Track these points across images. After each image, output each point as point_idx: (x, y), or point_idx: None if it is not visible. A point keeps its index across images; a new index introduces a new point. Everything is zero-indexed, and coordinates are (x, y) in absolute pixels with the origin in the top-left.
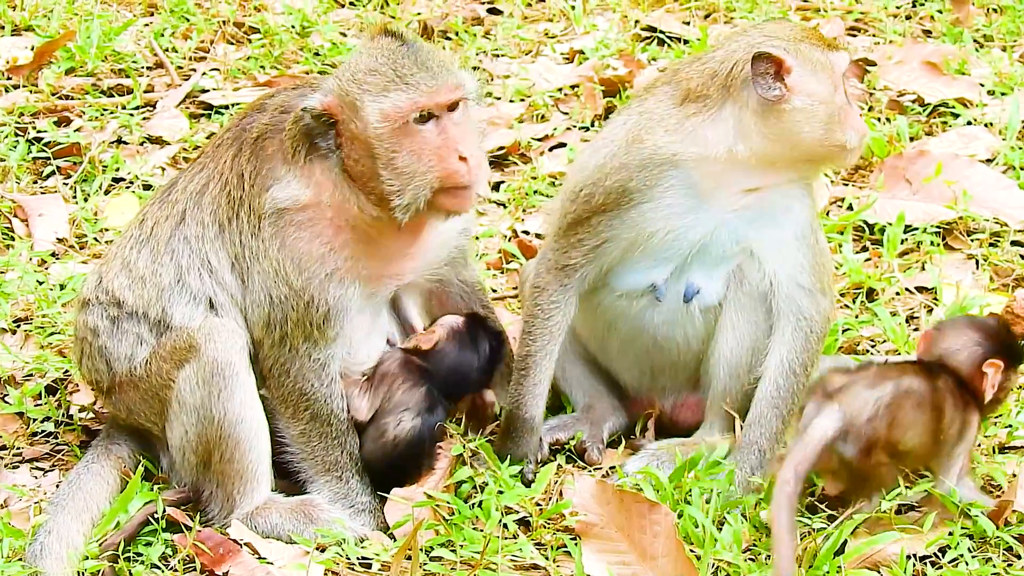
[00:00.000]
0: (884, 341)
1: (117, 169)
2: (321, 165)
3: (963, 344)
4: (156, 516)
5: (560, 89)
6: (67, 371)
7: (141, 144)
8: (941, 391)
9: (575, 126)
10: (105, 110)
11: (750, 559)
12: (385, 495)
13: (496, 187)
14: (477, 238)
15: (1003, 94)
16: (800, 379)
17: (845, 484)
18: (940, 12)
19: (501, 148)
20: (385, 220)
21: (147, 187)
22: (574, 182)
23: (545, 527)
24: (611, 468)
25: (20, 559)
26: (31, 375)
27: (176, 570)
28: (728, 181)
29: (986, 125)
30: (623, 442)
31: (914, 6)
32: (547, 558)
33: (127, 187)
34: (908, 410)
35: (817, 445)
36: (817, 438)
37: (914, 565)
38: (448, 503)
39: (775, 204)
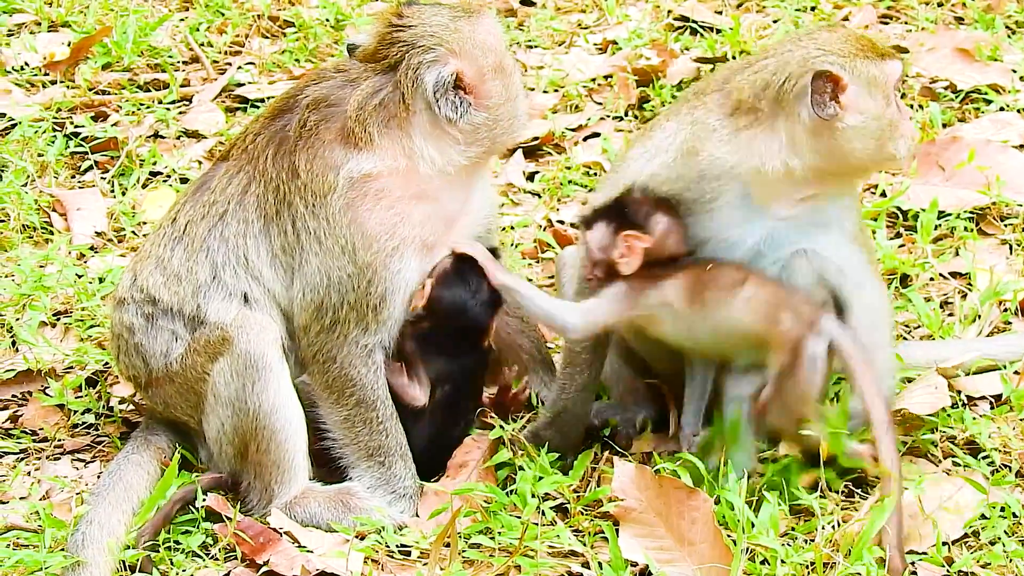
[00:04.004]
0: (918, 326)
1: (154, 163)
2: (391, 137)
3: None
4: (195, 505)
5: (593, 79)
6: (107, 363)
7: (178, 138)
8: None
9: (609, 116)
10: (142, 104)
11: (787, 543)
12: (424, 482)
13: (531, 177)
14: (512, 227)
15: None
16: None
17: None
18: None
19: (535, 138)
20: (456, 171)
21: (184, 180)
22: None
23: (583, 514)
24: (647, 455)
25: (62, 549)
26: (71, 367)
27: (217, 559)
28: (783, 192)
29: (1019, 111)
30: (659, 431)
31: None
32: (585, 544)
33: (164, 181)
34: None
35: None
36: None
37: (949, 549)
38: (485, 490)
39: (825, 211)
